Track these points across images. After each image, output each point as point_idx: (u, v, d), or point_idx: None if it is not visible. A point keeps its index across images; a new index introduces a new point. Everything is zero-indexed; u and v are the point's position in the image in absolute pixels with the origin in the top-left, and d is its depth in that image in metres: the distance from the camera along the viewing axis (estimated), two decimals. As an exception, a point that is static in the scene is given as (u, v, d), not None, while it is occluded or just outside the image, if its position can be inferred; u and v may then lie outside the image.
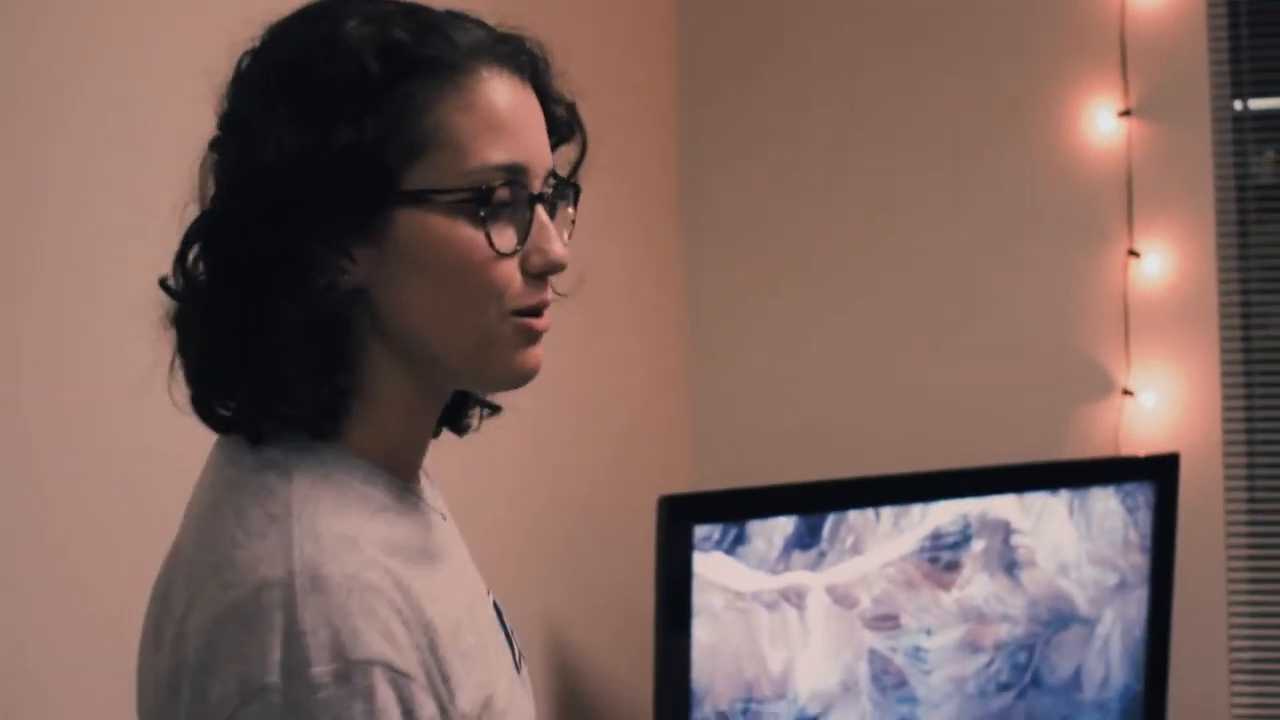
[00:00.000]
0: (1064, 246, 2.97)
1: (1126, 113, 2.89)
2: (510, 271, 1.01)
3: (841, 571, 2.39)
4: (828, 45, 3.08)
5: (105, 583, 1.49)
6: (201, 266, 1.01)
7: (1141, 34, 2.88)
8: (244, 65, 1.03)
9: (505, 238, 1.01)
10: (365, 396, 1.02)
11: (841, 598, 2.39)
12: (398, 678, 0.91)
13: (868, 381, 3.07)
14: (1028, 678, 2.58)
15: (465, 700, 0.96)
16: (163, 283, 1.03)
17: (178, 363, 1.02)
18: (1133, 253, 2.91)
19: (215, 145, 1.02)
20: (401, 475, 1.05)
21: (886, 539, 2.42)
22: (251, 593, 0.92)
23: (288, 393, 0.98)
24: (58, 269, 1.49)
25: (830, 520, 2.37)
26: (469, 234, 0.99)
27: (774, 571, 2.33)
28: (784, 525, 2.33)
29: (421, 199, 0.99)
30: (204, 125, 1.04)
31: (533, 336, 1.04)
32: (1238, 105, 2.95)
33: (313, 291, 0.97)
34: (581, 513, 2.63)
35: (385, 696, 0.90)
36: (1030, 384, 2.98)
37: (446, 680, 0.95)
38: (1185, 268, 2.90)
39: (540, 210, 1.03)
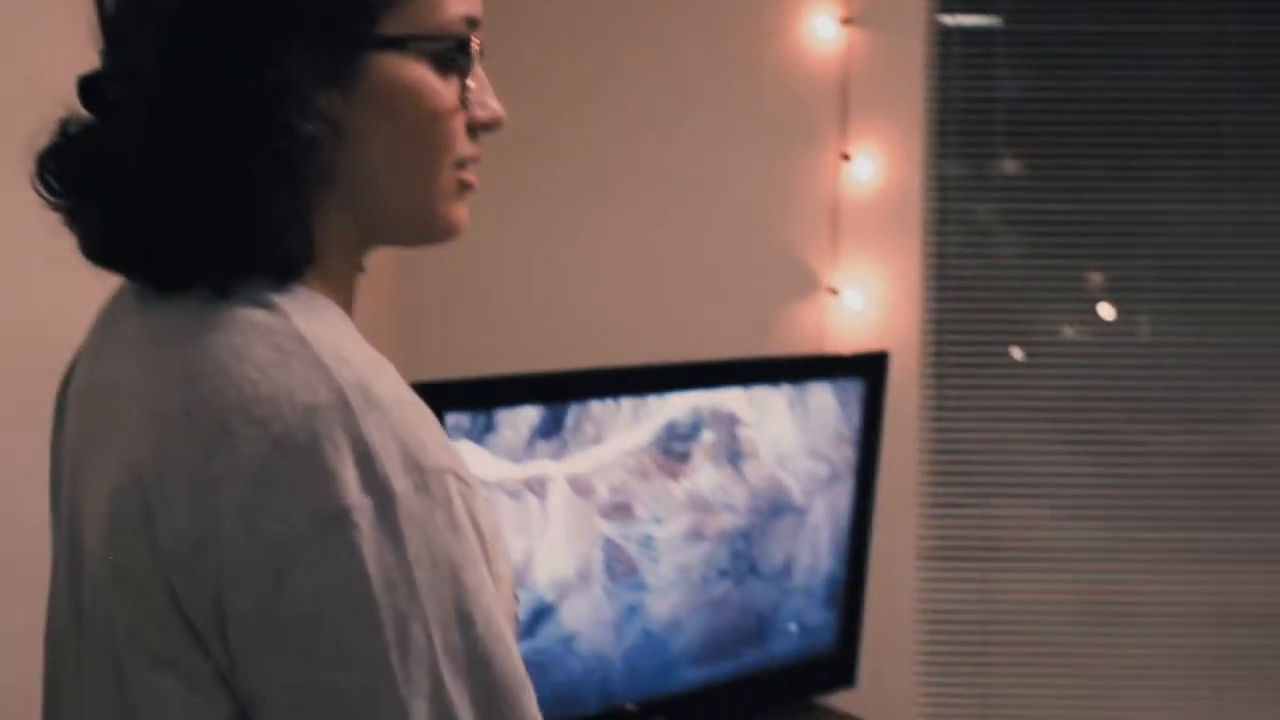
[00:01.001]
0: (779, 147, 3.04)
1: (847, 20, 2.97)
2: (462, 124, 1.02)
3: (581, 461, 2.40)
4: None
5: None
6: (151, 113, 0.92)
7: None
8: None
9: (465, 89, 1.02)
10: (315, 254, 0.98)
11: (581, 487, 2.40)
12: (463, 487, 0.90)
13: (578, 276, 3.07)
14: (745, 566, 2.66)
15: (487, 527, 0.95)
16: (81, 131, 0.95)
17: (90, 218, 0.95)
18: (844, 156, 3.01)
19: None
20: None
21: (625, 430, 2.44)
22: (301, 421, 0.87)
23: (274, 238, 0.93)
24: None
25: (574, 410, 2.37)
26: (437, 83, 0.99)
27: (519, 461, 2.32)
28: (530, 415, 2.31)
29: (402, 45, 0.97)
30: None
31: (467, 191, 1.05)
32: (947, 20, 3.07)
33: (296, 137, 0.92)
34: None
35: (459, 505, 0.89)
36: (742, 280, 3.05)
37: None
38: (893, 173, 3.01)
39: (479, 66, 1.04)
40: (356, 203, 0.99)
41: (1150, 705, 3.20)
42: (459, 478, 0.90)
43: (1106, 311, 3.24)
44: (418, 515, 0.86)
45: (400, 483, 0.86)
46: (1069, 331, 3.27)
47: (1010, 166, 3.23)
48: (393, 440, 0.87)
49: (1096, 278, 3.25)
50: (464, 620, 0.87)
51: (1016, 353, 3.22)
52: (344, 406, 0.87)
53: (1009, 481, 3.20)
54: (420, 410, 0.92)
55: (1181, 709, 3.20)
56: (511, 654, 0.90)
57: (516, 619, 1.01)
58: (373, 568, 0.85)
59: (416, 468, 0.87)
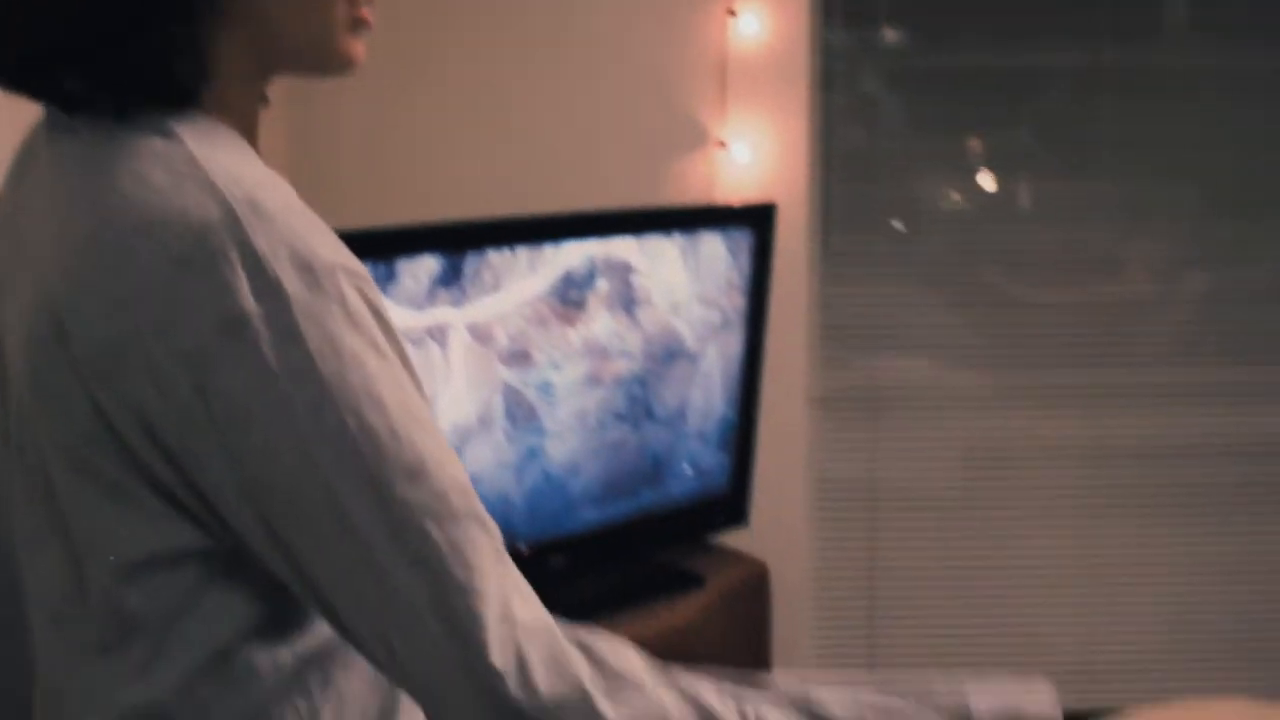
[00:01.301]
0: (666, 3, 3.08)
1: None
2: None
3: (481, 309, 2.46)
4: None
5: None
6: None
7: None
8: None
9: None
10: (212, 83, 1.03)
11: (481, 335, 2.47)
12: (356, 279, 0.96)
13: (474, 128, 3.11)
14: (641, 410, 2.75)
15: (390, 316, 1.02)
16: None
17: None
18: (730, 12, 3.06)
19: None
20: None
21: (522, 278, 2.51)
22: (196, 238, 0.92)
23: (166, 62, 0.98)
24: None
25: (472, 259, 2.42)
26: None
27: (420, 309, 2.37)
28: (430, 264, 2.37)
29: None
30: None
31: (363, 27, 1.09)
32: None
33: None
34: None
35: (354, 297, 0.95)
36: (632, 133, 3.11)
37: None
38: (779, 30, 3.07)
39: None
40: (251, 34, 1.04)
41: (1029, 539, 3.37)
42: (350, 271, 0.96)
43: (988, 173, 3.34)
44: (314, 313, 0.93)
45: (292, 285, 0.92)
46: (953, 192, 3.37)
47: (893, 30, 3.31)
48: (282, 247, 0.93)
49: (978, 140, 3.35)
50: (375, 403, 0.94)
51: (901, 215, 3.32)
52: (233, 221, 0.93)
53: (895, 333, 3.31)
54: (309, 218, 0.98)
55: (1059, 543, 3.36)
56: (427, 428, 0.97)
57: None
58: (278, 367, 0.92)
59: (307, 269, 0.93)
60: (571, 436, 2.64)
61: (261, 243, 0.93)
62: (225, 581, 0.99)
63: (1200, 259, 3.37)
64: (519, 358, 2.53)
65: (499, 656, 0.92)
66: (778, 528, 3.19)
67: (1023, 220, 3.34)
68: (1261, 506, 3.36)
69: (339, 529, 0.93)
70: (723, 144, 3.08)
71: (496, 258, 2.45)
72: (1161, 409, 3.34)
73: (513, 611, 0.94)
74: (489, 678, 0.92)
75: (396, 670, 0.95)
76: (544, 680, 0.93)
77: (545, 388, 2.58)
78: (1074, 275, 3.33)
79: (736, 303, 2.85)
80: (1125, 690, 3.28)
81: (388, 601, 0.93)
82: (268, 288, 0.92)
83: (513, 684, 0.92)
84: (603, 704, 0.96)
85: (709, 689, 1.03)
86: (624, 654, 1.00)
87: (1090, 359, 3.33)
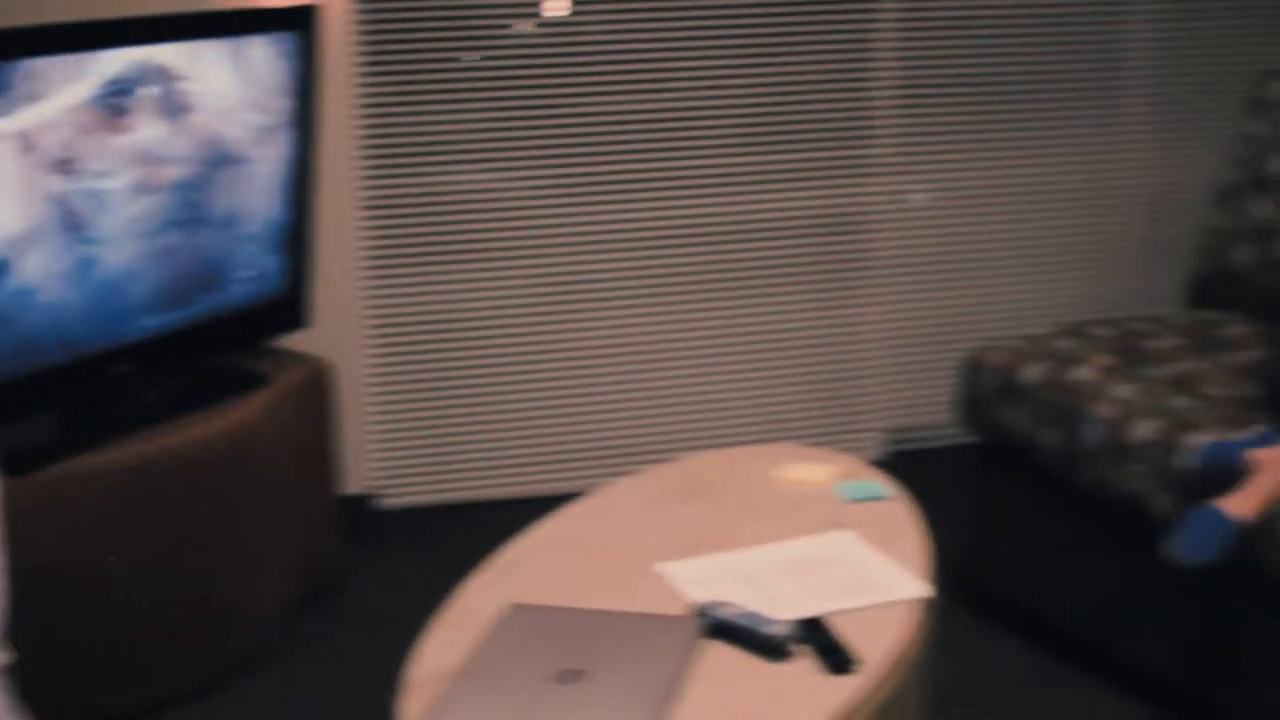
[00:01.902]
0: None
1: None
2: None
3: (24, 118, 2.42)
4: None
5: None
6: None
7: None
8: None
9: None
10: None
11: (25, 144, 2.43)
12: None
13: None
14: (194, 215, 2.77)
15: None
16: None
17: None
18: None
19: None
20: None
21: (66, 86, 2.47)
22: None
23: None
24: None
25: (12, 68, 2.37)
26: None
27: (-42, 118, 2.32)
28: (-35, 71, 2.31)
29: None
30: None
31: None
32: None
33: None
34: None
35: None
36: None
37: None
38: None
39: None
40: None
41: (599, 323, 3.59)
42: None
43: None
44: None
45: None
46: (497, 10, 3.47)
47: None
48: None
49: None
50: None
51: (446, 30, 3.39)
52: None
53: (446, 142, 3.42)
54: None
55: (631, 323, 3.60)
56: None
57: None
58: None
59: None
60: (125, 244, 2.65)
61: None
62: None
63: (756, 55, 3.58)
64: (66, 166, 2.51)
65: None
66: (337, 328, 3.29)
67: (573, 36, 3.47)
68: (816, 279, 3.71)
69: None
70: (262, -53, 3.08)
71: (37, 65, 2.41)
72: (723, 193, 3.61)
73: None
74: None
75: None
76: None
77: (95, 196, 2.57)
78: (632, 83, 3.50)
79: (285, 106, 2.89)
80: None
81: None
82: None
83: None
84: None
85: None
86: None
87: (651, 152, 3.54)
